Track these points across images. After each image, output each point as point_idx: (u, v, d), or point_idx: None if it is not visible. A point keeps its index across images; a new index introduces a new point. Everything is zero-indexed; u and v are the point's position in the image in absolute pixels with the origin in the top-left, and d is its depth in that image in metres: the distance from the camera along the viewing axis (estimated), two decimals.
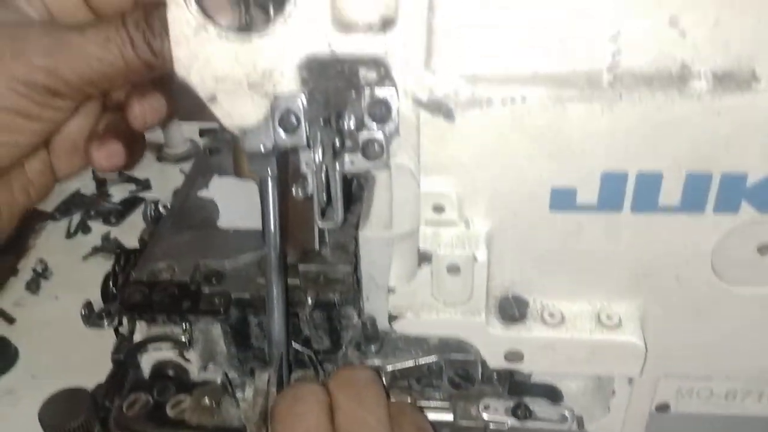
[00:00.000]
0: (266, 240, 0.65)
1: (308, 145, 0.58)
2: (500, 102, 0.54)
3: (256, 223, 0.82)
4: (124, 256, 0.84)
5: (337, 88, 0.56)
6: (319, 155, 0.56)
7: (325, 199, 0.59)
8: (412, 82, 0.55)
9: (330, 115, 0.57)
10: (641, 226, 0.58)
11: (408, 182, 0.60)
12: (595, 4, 0.52)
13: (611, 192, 0.57)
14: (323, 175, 0.58)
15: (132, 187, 1.46)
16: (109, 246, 1.38)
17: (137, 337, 0.77)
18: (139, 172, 1.50)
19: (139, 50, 0.54)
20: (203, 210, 0.84)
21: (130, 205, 1.41)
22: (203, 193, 0.86)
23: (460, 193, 0.58)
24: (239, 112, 0.57)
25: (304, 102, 0.56)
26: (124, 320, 0.78)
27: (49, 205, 1.45)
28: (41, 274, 1.37)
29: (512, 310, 0.61)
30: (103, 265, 1.42)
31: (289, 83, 0.55)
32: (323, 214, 0.60)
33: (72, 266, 1.42)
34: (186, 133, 1.48)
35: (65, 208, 1.45)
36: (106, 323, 0.78)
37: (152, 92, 0.59)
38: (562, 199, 0.58)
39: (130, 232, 1.48)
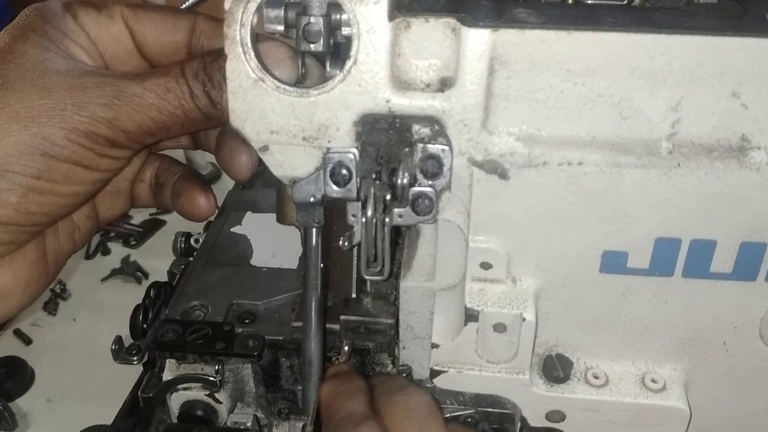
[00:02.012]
0: (306, 288, 0.65)
1: (357, 198, 0.57)
2: (556, 165, 0.54)
3: (289, 262, 0.82)
4: (154, 290, 0.84)
5: (389, 142, 0.56)
6: (370, 210, 0.56)
7: (373, 252, 0.58)
8: (467, 141, 0.54)
9: (381, 170, 0.57)
10: (691, 291, 0.58)
11: (455, 237, 0.60)
12: (658, 74, 0.51)
13: (663, 257, 0.57)
14: (372, 228, 0.57)
15: (152, 209, 1.46)
16: (129, 268, 1.38)
17: (166, 375, 0.76)
18: None
19: (199, 101, 0.53)
20: (236, 247, 0.84)
21: (150, 227, 1.41)
22: (236, 229, 0.86)
23: (509, 251, 0.58)
24: (291, 163, 0.57)
25: (357, 156, 0.56)
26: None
27: None
28: (59, 294, 1.36)
29: (556, 370, 0.61)
30: (122, 287, 1.41)
31: (343, 138, 0.55)
32: (368, 265, 0.59)
33: (90, 288, 1.42)
34: (208, 156, 1.48)
35: None
36: (135, 360, 0.78)
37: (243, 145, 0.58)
38: (613, 262, 0.57)
39: (150, 255, 1.48)
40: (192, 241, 0.89)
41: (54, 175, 0.52)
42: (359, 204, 0.57)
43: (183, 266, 0.88)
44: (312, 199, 0.58)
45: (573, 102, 0.53)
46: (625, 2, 0.58)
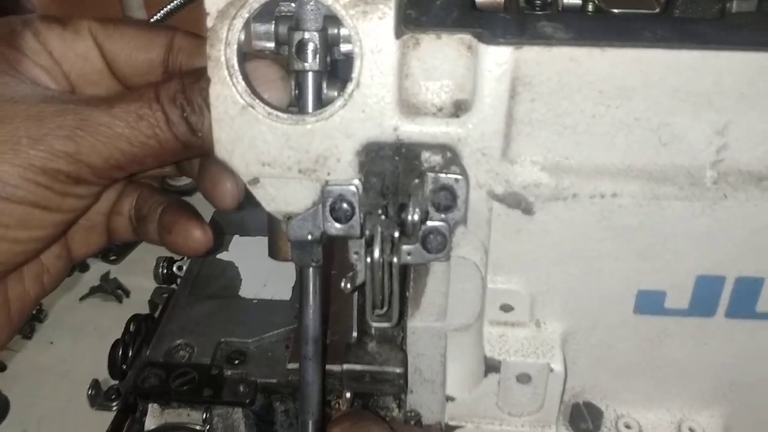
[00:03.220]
0: (303, 333, 0.58)
1: (361, 235, 0.51)
2: (587, 197, 0.48)
3: (281, 293, 0.76)
4: (134, 324, 0.77)
5: (395, 171, 0.50)
6: (377, 250, 0.49)
7: (380, 296, 0.52)
8: (486, 172, 0.48)
9: (387, 204, 0.50)
10: (734, 332, 0.52)
11: (470, 275, 0.54)
12: (702, 95, 0.45)
13: (705, 296, 0.51)
14: (378, 270, 0.51)
15: None
16: (109, 286, 1.30)
17: (149, 421, 0.70)
18: None
19: (176, 129, 0.47)
20: (223, 276, 0.77)
21: (131, 242, 1.33)
22: (223, 255, 0.79)
23: (532, 292, 0.52)
24: (285, 197, 0.50)
25: (359, 188, 0.49)
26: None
27: None
28: (35, 316, 1.28)
29: (585, 421, 0.55)
30: (102, 307, 1.34)
31: (344, 169, 0.48)
32: (374, 310, 0.53)
33: (68, 308, 1.34)
34: None
35: None
36: (114, 406, 0.71)
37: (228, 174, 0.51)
38: (649, 302, 0.51)
39: (131, 271, 1.40)
40: (175, 268, 0.82)
41: (6, 220, 0.45)
42: (362, 241, 0.51)
43: (165, 295, 0.82)
44: (309, 237, 0.51)
45: (606, 127, 0.47)
46: (658, 10, 0.52)
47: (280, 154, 0.48)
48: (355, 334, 0.62)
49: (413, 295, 0.58)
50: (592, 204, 0.48)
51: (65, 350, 1.30)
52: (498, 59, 0.45)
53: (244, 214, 0.84)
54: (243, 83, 0.46)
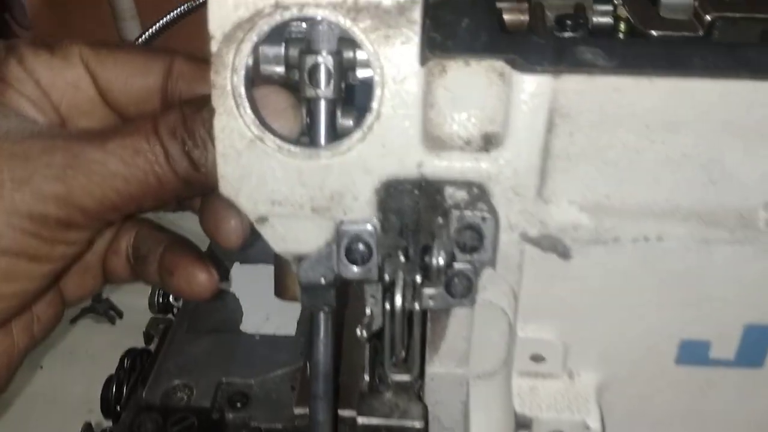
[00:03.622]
0: (312, 368, 0.53)
1: (379, 279, 0.46)
2: (630, 240, 0.43)
3: (285, 327, 0.71)
4: (128, 359, 0.72)
5: (415, 207, 0.45)
6: (399, 298, 0.45)
7: (400, 344, 0.47)
8: (519, 212, 0.44)
9: (408, 245, 0.46)
10: None
11: (496, 319, 0.49)
12: (756, 129, 0.41)
13: (753, 346, 0.47)
14: (397, 314, 0.47)
15: None
16: (101, 307, 1.25)
17: None
18: None
19: (177, 164, 0.42)
20: (223, 308, 0.72)
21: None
22: (223, 285, 0.74)
23: (566, 341, 0.47)
24: (296, 236, 0.46)
25: (377, 228, 0.45)
26: None
27: None
28: None
29: None
30: (94, 329, 1.29)
31: (362, 208, 0.44)
32: (393, 361, 0.49)
33: (59, 330, 1.28)
34: None
35: None
36: None
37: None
38: (693, 353, 0.47)
39: (124, 290, 1.35)
40: (171, 298, 0.77)
41: None
42: (381, 288, 0.46)
43: (161, 326, 0.77)
44: (323, 281, 0.47)
45: (651, 163, 0.42)
46: (701, 33, 0.48)
47: (291, 192, 0.43)
48: (367, 378, 0.57)
49: (432, 338, 0.53)
50: (635, 248, 0.43)
51: (56, 375, 1.25)
52: (534, 89, 0.41)
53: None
54: (251, 114, 0.42)
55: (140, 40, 0.91)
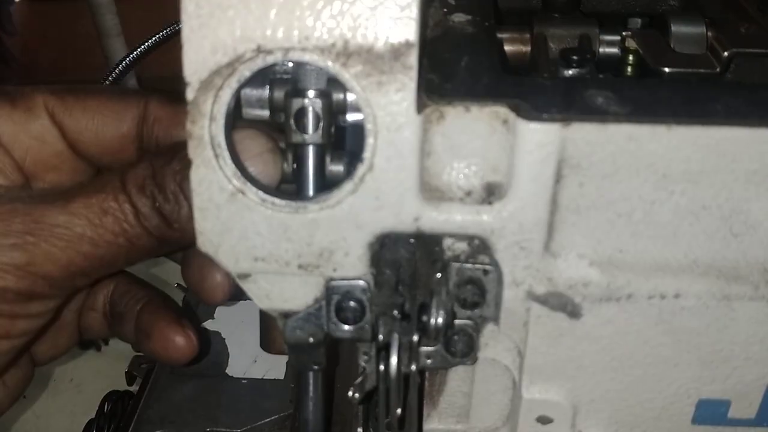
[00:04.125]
0: (300, 428, 0.50)
1: (373, 338, 0.43)
2: (645, 298, 0.40)
3: (273, 371, 0.67)
4: (109, 404, 0.68)
5: (411, 260, 0.42)
6: (394, 359, 0.41)
7: (395, 405, 0.44)
8: (524, 268, 0.40)
9: (404, 301, 0.42)
10: None
11: (499, 377, 0.46)
12: None
13: None
14: (392, 377, 0.43)
15: None
16: None
17: None
18: None
19: (148, 222, 0.38)
20: (209, 349, 0.69)
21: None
22: (209, 324, 0.71)
23: (575, 402, 0.44)
24: (282, 293, 0.42)
25: (371, 284, 0.41)
26: None
27: None
28: None
29: None
30: (79, 357, 1.25)
31: (353, 265, 0.41)
32: (389, 423, 0.45)
33: None
34: None
35: None
36: None
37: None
38: (711, 413, 0.44)
39: None
40: None
41: None
42: (375, 349, 0.43)
43: (144, 366, 0.73)
44: (311, 340, 0.43)
45: (668, 215, 0.39)
46: (718, 70, 0.44)
47: (276, 248, 0.40)
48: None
49: (429, 393, 0.50)
50: (650, 306, 0.40)
51: (39, 405, 1.20)
52: (541, 138, 0.37)
53: None
54: (232, 165, 0.38)
55: (127, 60, 0.88)
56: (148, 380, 0.67)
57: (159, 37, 0.86)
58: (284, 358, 0.66)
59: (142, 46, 0.87)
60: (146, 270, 0.78)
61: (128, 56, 0.89)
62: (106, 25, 1.09)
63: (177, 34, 0.83)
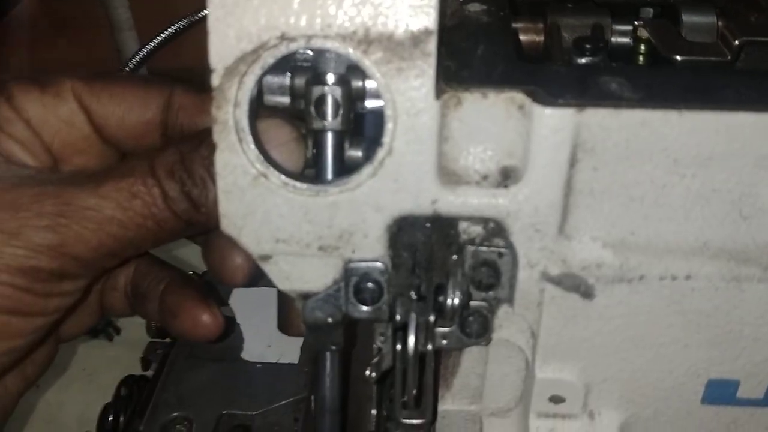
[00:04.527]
0: (318, 420, 0.51)
1: (390, 319, 0.44)
2: (657, 279, 0.41)
3: (288, 354, 0.68)
4: (125, 388, 0.70)
5: (427, 243, 0.43)
6: (412, 339, 0.42)
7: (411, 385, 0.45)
8: (539, 250, 0.41)
9: (420, 283, 0.43)
10: None
11: (512, 357, 0.47)
12: None
13: None
14: (409, 356, 0.44)
15: None
16: (99, 324, 1.23)
17: None
18: None
19: (176, 206, 0.40)
20: (233, 328, 0.70)
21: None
22: (223, 310, 0.72)
23: (587, 381, 0.45)
24: (301, 275, 0.43)
25: (388, 266, 0.43)
26: None
27: None
28: None
29: None
30: (91, 346, 1.26)
31: (372, 246, 0.42)
32: (405, 402, 0.46)
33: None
34: None
35: None
36: None
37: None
38: (720, 392, 0.45)
39: None
40: None
41: None
42: (390, 329, 0.44)
43: (159, 351, 0.74)
44: (330, 321, 0.44)
45: (679, 198, 0.40)
46: (729, 58, 0.45)
47: (297, 230, 0.41)
48: (374, 412, 0.55)
49: (444, 375, 0.51)
50: (661, 286, 0.41)
51: (51, 394, 1.22)
52: (556, 123, 0.38)
53: None
54: (255, 149, 0.39)
55: (140, 54, 0.89)
56: (163, 365, 0.68)
57: (172, 30, 0.88)
58: (297, 344, 0.67)
59: (155, 40, 0.88)
60: (167, 253, 0.78)
61: (141, 49, 0.90)
62: (118, 18, 1.10)
63: (189, 27, 0.84)
